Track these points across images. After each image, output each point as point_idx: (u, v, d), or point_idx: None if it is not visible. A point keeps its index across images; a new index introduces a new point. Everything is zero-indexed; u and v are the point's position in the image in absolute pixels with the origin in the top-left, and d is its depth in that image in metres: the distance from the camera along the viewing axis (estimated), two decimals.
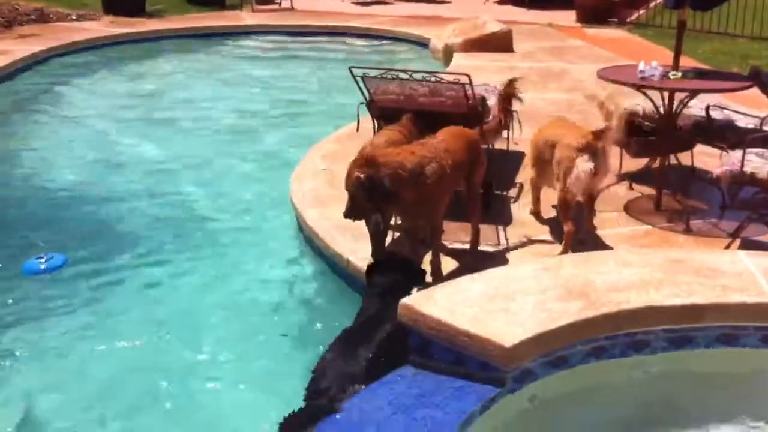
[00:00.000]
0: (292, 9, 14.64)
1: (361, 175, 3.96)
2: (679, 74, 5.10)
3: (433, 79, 5.07)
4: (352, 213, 4.13)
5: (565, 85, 8.86)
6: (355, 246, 4.75)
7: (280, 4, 14.91)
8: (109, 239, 5.56)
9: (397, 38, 12.49)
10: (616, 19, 13.27)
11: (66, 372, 4.07)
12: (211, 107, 8.99)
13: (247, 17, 13.95)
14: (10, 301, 4.72)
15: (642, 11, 13.92)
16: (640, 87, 5.08)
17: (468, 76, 4.85)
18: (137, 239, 5.56)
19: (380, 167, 3.99)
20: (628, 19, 13.33)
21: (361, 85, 5.12)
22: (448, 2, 15.79)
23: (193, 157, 7.27)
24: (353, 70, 5.05)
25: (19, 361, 4.14)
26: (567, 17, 13.48)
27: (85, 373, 4.04)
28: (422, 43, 11.87)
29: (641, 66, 5.08)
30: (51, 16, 13.11)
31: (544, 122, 5.36)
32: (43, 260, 5.08)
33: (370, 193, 3.97)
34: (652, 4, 14.06)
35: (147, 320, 4.50)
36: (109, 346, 4.23)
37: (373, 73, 5.09)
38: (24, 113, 8.67)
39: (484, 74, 8.63)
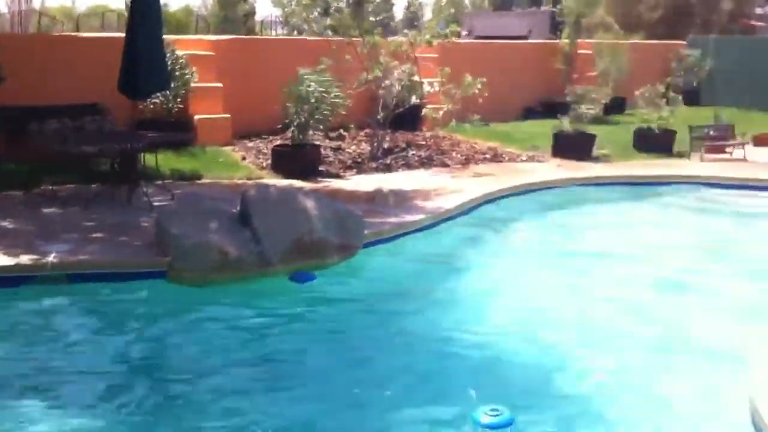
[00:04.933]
0: (744, 160, 13.89)
1: None
2: None
3: None
4: None
5: None
6: None
7: (731, 154, 14.24)
8: (555, 405, 5.46)
9: None
10: None
11: None
12: (655, 262, 8.66)
13: (695, 167, 13.50)
14: None
15: None
16: None
17: None
18: (568, 406, 5.39)
19: None
20: None
21: None
22: None
23: (629, 319, 6.97)
24: None
25: None
26: None
27: None
28: None
29: None
30: (503, 156, 14.02)
31: None
32: (490, 414, 5.10)
33: None
34: None
35: None
36: None
37: None
38: (469, 254, 9.08)
39: None
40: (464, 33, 14.41)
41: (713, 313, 7.15)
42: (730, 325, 6.82)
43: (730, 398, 5.34)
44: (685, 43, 23.28)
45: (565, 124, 14.31)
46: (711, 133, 14.63)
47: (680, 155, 14.38)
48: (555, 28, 23.23)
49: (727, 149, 14.37)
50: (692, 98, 20.48)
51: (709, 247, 9.37)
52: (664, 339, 6.58)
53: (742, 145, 14.26)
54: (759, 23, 33.93)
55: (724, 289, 7.84)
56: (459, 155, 13.85)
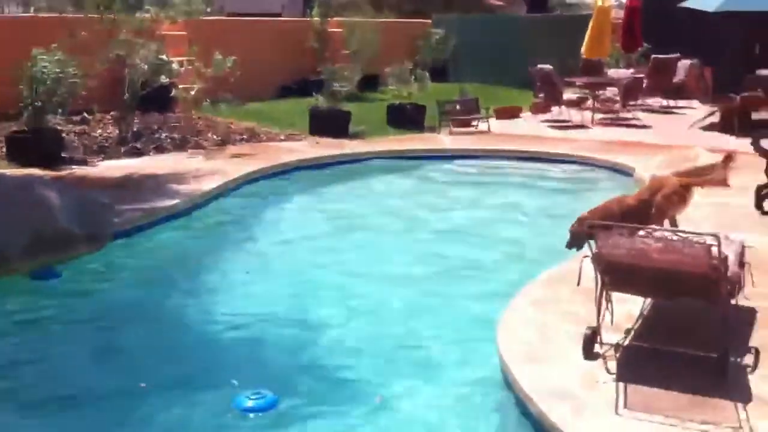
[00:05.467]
0: (488, 132, 14.70)
1: None
2: None
3: (674, 237, 4.70)
4: None
5: None
6: (576, 422, 4.37)
7: (476, 127, 15.02)
8: (316, 382, 5.41)
9: (597, 165, 12.12)
10: None
11: None
12: (408, 235, 8.90)
13: (444, 140, 14.11)
14: None
15: None
16: None
17: (717, 236, 4.46)
18: (335, 385, 5.37)
19: None
20: None
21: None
22: (650, 127, 15.30)
23: (385, 291, 7.06)
24: None
25: None
26: None
27: None
28: (625, 172, 11.43)
29: None
30: (261, 135, 13.83)
31: None
32: (253, 398, 5.01)
33: None
34: None
35: None
36: None
37: None
38: (229, 236, 8.90)
39: (699, 211, 8.11)
40: (208, 9, 13.90)
41: (464, 278, 7.46)
42: (477, 287, 7.12)
43: (483, 359, 5.56)
44: (430, 21, 24.26)
45: (321, 102, 14.39)
46: (457, 107, 15.33)
47: (431, 129, 14.94)
48: (307, 5, 23.30)
49: (473, 123, 15.14)
50: (440, 75, 21.38)
51: (458, 215, 9.81)
52: (417, 307, 6.74)
53: (486, 118, 15.08)
54: (498, 2, 36.14)
55: (473, 254, 8.21)
56: (215, 136, 13.49)
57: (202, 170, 11.00)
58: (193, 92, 13.15)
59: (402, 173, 12.15)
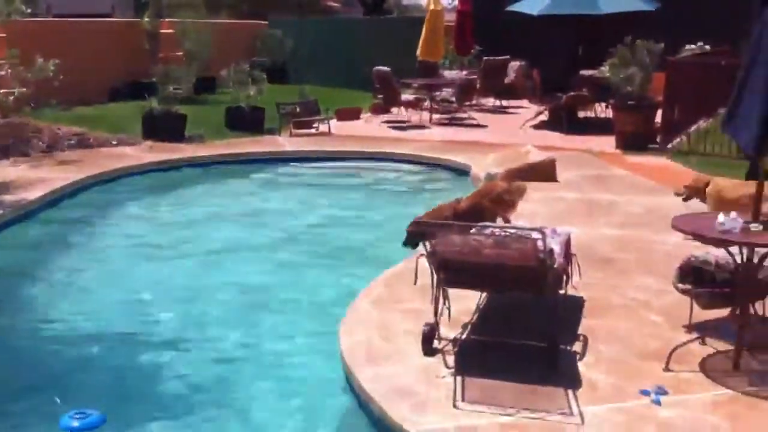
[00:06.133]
0: (329, 134, 14.70)
1: None
2: (760, 227, 4.79)
3: (503, 233, 4.83)
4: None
5: (615, 220, 8.56)
6: (416, 418, 4.40)
7: (317, 129, 14.98)
8: (146, 397, 5.18)
9: (436, 164, 12.37)
10: (657, 145, 13.09)
11: None
12: (246, 242, 8.68)
13: (284, 143, 13.98)
14: None
15: (683, 137, 13.71)
16: (722, 242, 4.76)
17: (542, 231, 4.61)
18: (170, 398, 5.17)
19: None
20: (669, 146, 13.09)
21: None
22: (485, 126, 15.80)
23: (226, 300, 6.87)
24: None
25: None
26: (605, 143, 13.33)
27: None
28: (462, 170, 11.73)
29: (720, 218, 4.77)
30: (91, 141, 13.20)
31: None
32: (77, 417, 4.74)
33: None
34: (692, 128, 13.84)
35: None
36: None
37: None
38: (57, 249, 8.39)
39: (530, 206, 8.42)
40: (28, 10, 13.09)
41: (308, 280, 7.39)
42: (326, 291, 7.07)
43: (326, 358, 5.53)
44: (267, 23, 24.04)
45: (154, 105, 13.90)
46: (297, 109, 15.23)
47: (271, 132, 14.76)
48: (139, 6, 22.51)
49: (314, 124, 15.09)
50: (279, 76, 21.23)
51: (300, 217, 9.72)
52: (250, 313, 6.60)
53: (327, 119, 15.07)
54: (335, 4, 36.40)
55: (324, 250, 8.22)
56: (41, 143, 12.74)
57: (25, 179, 10.39)
58: (12, 98, 12.36)
59: (240, 176, 11.94)
